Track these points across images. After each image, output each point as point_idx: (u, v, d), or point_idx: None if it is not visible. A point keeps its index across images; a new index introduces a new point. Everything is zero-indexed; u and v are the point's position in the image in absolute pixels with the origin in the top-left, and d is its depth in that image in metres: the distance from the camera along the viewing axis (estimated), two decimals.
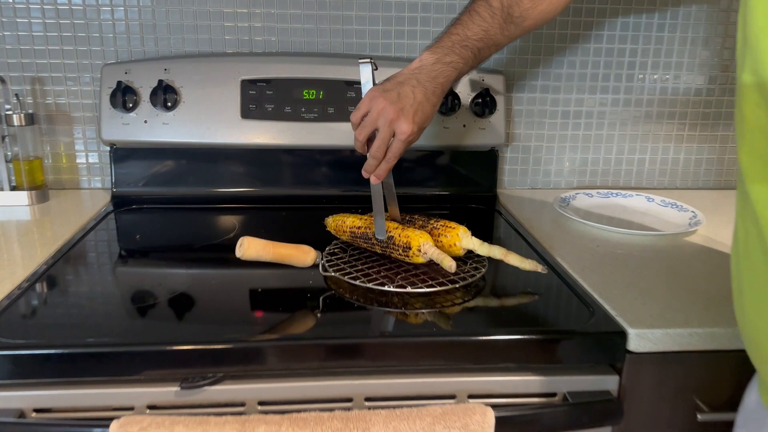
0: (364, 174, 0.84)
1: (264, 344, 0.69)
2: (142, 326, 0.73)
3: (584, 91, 1.22)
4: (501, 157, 1.23)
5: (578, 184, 1.27)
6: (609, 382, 0.74)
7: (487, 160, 1.20)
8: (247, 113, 1.11)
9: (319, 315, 0.76)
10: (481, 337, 0.72)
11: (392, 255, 0.86)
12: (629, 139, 1.26)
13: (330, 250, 0.91)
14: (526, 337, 0.72)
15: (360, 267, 0.85)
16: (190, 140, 1.11)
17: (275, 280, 0.84)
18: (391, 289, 0.79)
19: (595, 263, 0.91)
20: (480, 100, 1.13)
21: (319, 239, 0.95)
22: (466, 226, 0.87)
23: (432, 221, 0.89)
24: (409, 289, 0.79)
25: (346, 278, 0.81)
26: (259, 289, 0.81)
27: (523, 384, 0.73)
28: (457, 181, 1.20)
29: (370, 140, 0.83)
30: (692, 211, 1.11)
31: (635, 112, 1.25)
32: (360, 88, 0.84)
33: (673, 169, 1.29)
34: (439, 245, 0.85)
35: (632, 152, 1.27)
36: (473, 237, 0.86)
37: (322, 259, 0.83)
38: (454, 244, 0.85)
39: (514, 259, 0.84)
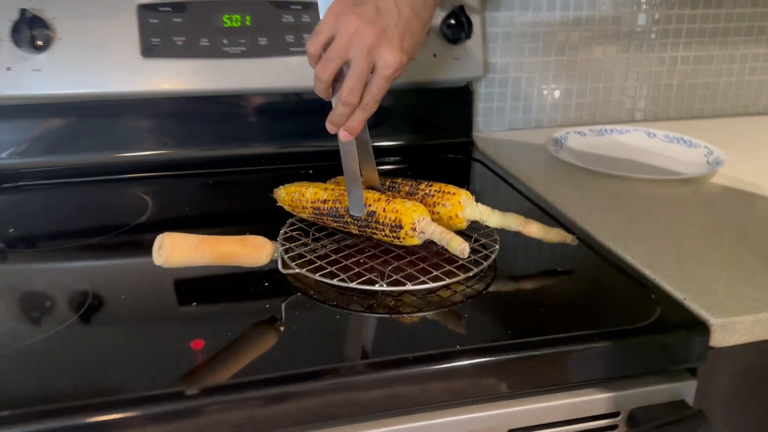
0: (330, 128, 0.60)
1: (211, 400, 0.46)
2: (19, 371, 0.48)
3: (569, 7, 1.01)
4: (475, 93, 1.00)
5: (563, 121, 1.07)
6: (683, 390, 0.56)
7: (461, 98, 0.98)
8: (149, 50, 0.83)
9: (281, 329, 0.53)
10: (523, 353, 0.51)
11: (374, 236, 0.63)
12: (618, 63, 1.06)
13: (286, 233, 0.67)
14: (582, 346, 0.52)
15: (333, 257, 0.62)
16: (74, 91, 0.82)
17: (216, 285, 0.60)
18: (384, 288, 0.57)
19: (627, 224, 0.71)
20: (453, 21, 0.89)
21: (268, 216, 0.72)
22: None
23: (422, 185, 0.66)
24: (409, 286, 0.57)
25: (318, 277, 0.58)
26: (194, 303, 0.57)
27: (576, 406, 0.54)
28: (424, 126, 0.97)
29: (336, 80, 0.58)
30: (704, 146, 0.94)
31: (626, 30, 1.04)
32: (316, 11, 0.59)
33: (666, 97, 1.11)
34: (435, 218, 0.63)
35: (621, 78, 1.08)
36: (479, 204, 0.64)
37: (280, 247, 0.59)
38: (456, 215, 0.63)
39: (535, 230, 0.63)
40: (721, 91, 1.13)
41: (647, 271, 0.62)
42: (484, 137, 1.01)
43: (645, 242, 0.67)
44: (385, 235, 0.61)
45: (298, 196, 0.66)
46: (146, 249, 0.65)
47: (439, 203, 0.64)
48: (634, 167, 0.90)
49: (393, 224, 0.60)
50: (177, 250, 0.50)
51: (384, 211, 0.61)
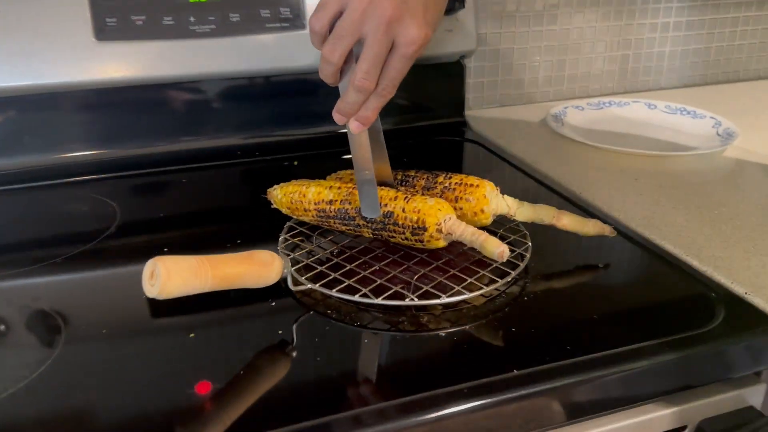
0: (339, 118, 0.51)
1: None
2: None
3: None
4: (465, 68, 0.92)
5: (555, 96, 1.01)
6: (749, 395, 0.50)
7: (452, 74, 0.89)
8: (104, 32, 0.72)
9: (294, 354, 0.45)
10: (589, 374, 0.44)
11: (392, 240, 0.55)
12: (610, 32, 1.00)
13: (286, 239, 0.58)
14: (652, 361, 0.45)
15: (347, 267, 0.53)
16: (15, 83, 0.71)
17: (213, 308, 0.51)
18: (416, 302, 0.49)
19: (654, 207, 0.65)
20: None
21: (258, 217, 0.63)
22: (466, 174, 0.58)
23: (440, 178, 0.58)
24: (444, 299, 0.49)
25: (336, 293, 0.50)
26: (192, 334, 0.48)
27: (641, 425, 0.48)
28: (413, 107, 0.89)
29: (345, 61, 0.49)
30: (710, 117, 0.89)
31: None
32: None
33: (659, 65, 1.06)
34: (458, 215, 0.55)
35: (612, 48, 1.02)
36: (506, 196, 0.57)
37: (287, 259, 0.50)
38: (481, 210, 0.56)
39: (570, 223, 0.56)
40: (712, 57, 1.09)
41: (695, 262, 0.55)
42: (477, 116, 0.94)
43: (681, 228, 0.61)
44: (405, 239, 0.53)
45: (299, 197, 0.57)
46: (125, 267, 0.56)
47: (461, 198, 0.56)
48: (644, 143, 0.84)
49: (415, 226, 0.52)
50: (173, 277, 0.41)
51: (403, 211, 0.53)
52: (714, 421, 0.49)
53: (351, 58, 0.49)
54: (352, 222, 0.55)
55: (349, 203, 0.55)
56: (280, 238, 0.58)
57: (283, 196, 0.58)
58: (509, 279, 0.52)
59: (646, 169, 0.75)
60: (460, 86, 0.91)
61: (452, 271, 0.53)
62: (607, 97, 0.97)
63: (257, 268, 0.46)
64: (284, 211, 0.59)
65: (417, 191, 0.57)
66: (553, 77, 0.99)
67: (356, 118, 0.50)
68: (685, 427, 0.49)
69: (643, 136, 0.87)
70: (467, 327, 0.48)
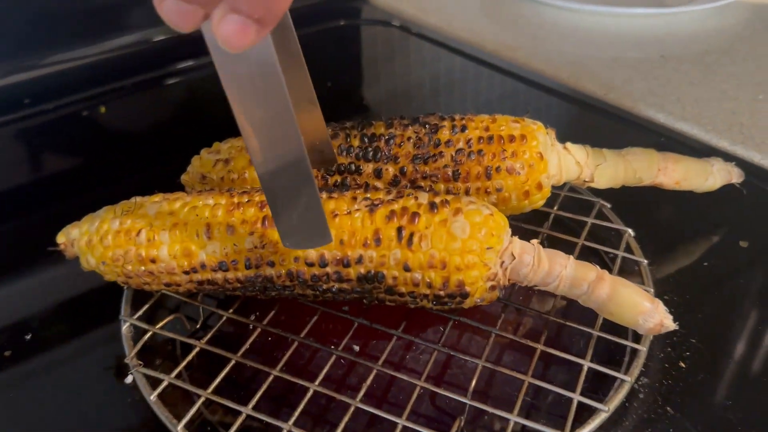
0: (181, 11, 0.16)
1: None
2: None
3: None
4: None
5: None
6: None
7: None
8: None
9: None
10: None
11: (361, 300, 0.25)
12: None
13: (138, 332, 0.25)
14: None
15: (311, 387, 0.23)
16: None
17: None
18: None
19: (733, 103, 0.42)
20: None
21: (50, 263, 0.30)
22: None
23: (444, 132, 0.28)
24: None
25: None
26: None
27: None
28: None
29: None
30: None
31: None
32: None
33: None
34: (495, 202, 0.27)
35: None
36: (569, 145, 0.29)
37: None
38: (537, 187, 0.27)
39: (684, 173, 0.30)
40: None
41: None
42: None
43: None
44: (413, 299, 0.24)
45: (138, 264, 0.24)
46: None
47: (498, 168, 0.27)
48: None
49: (438, 294, 0.23)
50: None
51: (406, 269, 0.23)
52: None
53: None
54: (285, 292, 0.24)
55: (275, 255, 0.23)
56: (124, 330, 0.25)
57: (99, 260, 0.24)
58: (651, 337, 0.25)
59: (660, 37, 0.50)
60: None
61: (537, 347, 0.24)
62: None
63: None
64: (107, 278, 0.26)
65: (411, 191, 0.25)
66: None
67: (232, 5, 0.17)
68: None
69: None
70: None
